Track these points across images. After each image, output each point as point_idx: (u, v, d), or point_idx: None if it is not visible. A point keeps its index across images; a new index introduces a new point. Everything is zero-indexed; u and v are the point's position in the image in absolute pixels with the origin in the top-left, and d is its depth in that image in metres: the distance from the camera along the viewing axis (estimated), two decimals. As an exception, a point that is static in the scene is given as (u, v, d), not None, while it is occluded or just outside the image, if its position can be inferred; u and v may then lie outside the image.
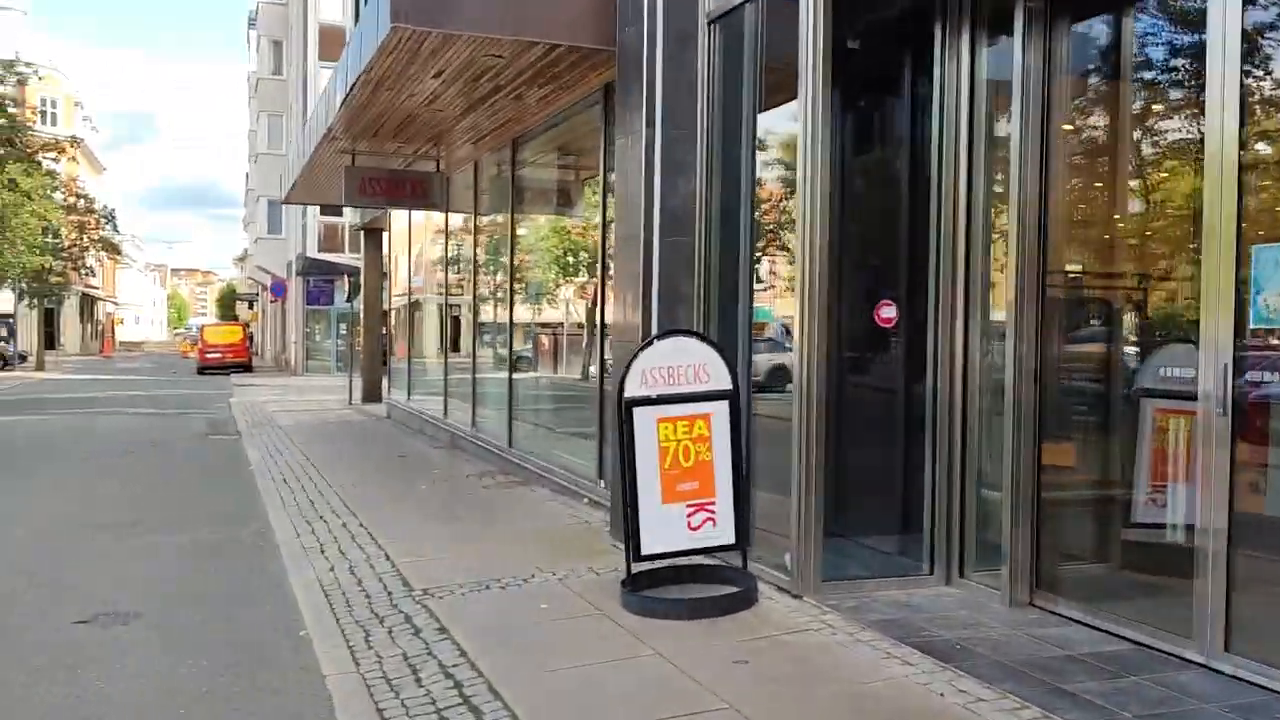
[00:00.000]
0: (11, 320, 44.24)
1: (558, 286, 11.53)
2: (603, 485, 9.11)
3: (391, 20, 7.29)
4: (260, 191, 45.59)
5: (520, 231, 12.22)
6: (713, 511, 5.96)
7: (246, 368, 42.38)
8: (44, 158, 23.62)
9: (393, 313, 22.10)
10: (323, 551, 7.83)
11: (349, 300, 24.11)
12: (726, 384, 5.96)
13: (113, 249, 42.52)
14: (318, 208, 35.95)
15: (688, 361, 5.88)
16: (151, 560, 7.76)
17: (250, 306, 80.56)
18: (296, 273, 38.64)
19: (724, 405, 5.96)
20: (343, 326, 38.61)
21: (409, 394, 18.23)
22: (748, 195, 7.03)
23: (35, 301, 42.50)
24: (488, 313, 13.81)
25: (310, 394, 28.41)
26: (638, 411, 5.80)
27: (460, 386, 14.87)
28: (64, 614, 6.22)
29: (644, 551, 5.85)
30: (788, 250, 6.91)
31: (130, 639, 5.77)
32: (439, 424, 15.35)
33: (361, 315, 24.19)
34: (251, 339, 45.25)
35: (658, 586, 6.03)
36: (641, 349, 5.86)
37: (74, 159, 25.93)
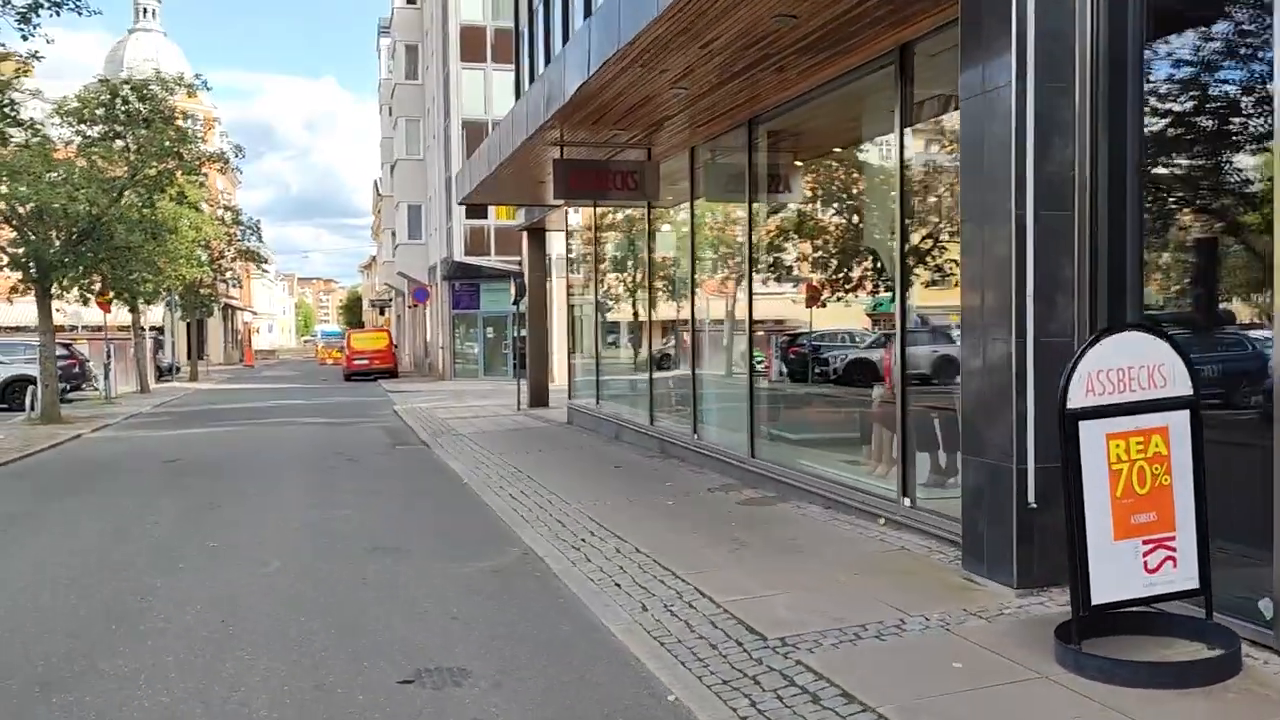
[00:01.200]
0: (161, 334, 45.28)
1: (822, 278, 10.41)
2: (907, 504, 7.98)
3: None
4: (400, 197, 45.77)
5: (761, 219, 11.16)
6: (1173, 549, 4.79)
7: (392, 374, 42.55)
8: (208, 170, 23.64)
9: (564, 314, 21.36)
10: (617, 584, 6.91)
11: (515, 303, 23.52)
12: (1186, 389, 4.78)
13: (258, 260, 43.08)
14: (463, 210, 35.70)
15: (1141, 362, 4.72)
16: (438, 596, 6.94)
17: (382, 312, 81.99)
18: (442, 277, 38.48)
19: (1184, 416, 4.78)
20: (490, 330, 38.33)
21: (597, 398, 17.37)
22: (1135, 158, 5.83)
23: (186, 313, 43.44)
24: (714, 310, 12.79)
25: (470, 399, 27.99)
26: (1084, 426, 4.66)
27: (673, 391, 13.95)
28: (380, 670, 5.40)
29: (1095, 600, 4.71)
30: (1203, 217, 5.69)
31: (476, 706, 4.89)
32: (643, 431, 14.42)
33: (526, 318, 23.54)
34: (395, 345, 45.48)
35: (1097, 637, 4.88)
36: (1087, 347, 4.71)
37: (223, 171, 25.81)
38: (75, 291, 23.50)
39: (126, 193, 22.10)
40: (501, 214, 36.12)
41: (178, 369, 45.17)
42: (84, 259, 21.25)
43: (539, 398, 23.48)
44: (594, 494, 10.71)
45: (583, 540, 8.41)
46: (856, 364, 10.12)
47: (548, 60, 18.60)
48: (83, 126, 21.98)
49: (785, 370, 11.20)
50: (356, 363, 42.43)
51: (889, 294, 8.62)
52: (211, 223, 33.57)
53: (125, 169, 22.38)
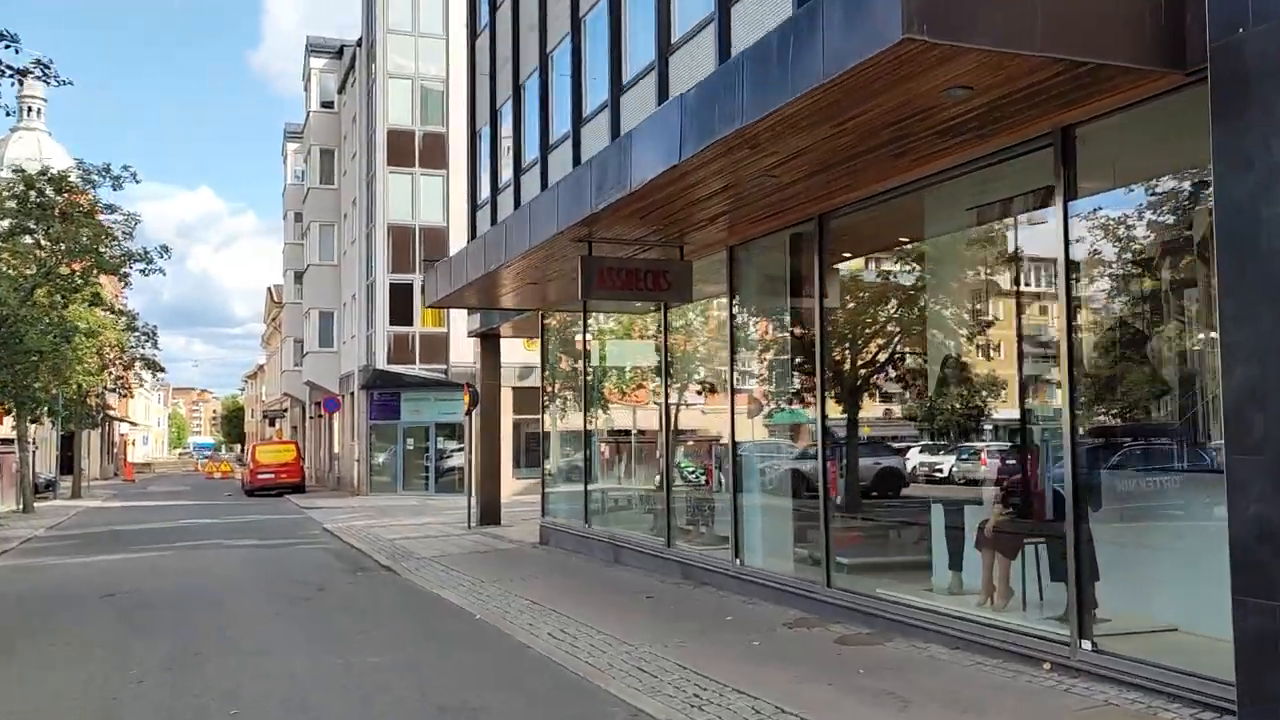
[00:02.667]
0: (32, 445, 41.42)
1: (910, 382, 9.48)
2: (1087, 646, 6.90)
3: (903, 31, 5.41)
4: (310, 303, 43.81)
5: (812, 321, 10.21)
6: None
7: (299, 488, 39.97)
8: (130, 269, 21.83)
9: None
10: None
11: (467, 413, 22.05)
12: None
13: (155, 368, 40.36)
14: (385, 316, 34.16)
15: None
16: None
17: (272, 424, 78.38)
18: (359, 386, 36.54)
19: None
20: (410, 442, 36.42)
21: (586, 516, 15.96)
22: None
23: (72, 424, 40.20)
24: (751, 421, 11.71)
25: (403, 517, 26.06)
26: None
27: (696, 509, 12.74)
28: None
29: None
30: None
31: None
32: (655, 554, 13.10)
33: (476, 428, 22.05)
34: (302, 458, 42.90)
35: None
36: None
37: (146, 273, 23.88)
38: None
39: (37, 292, 20.10)
40: (428, 320, 34.74)
41: (50, 484, 41.56)
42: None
43: (490, 515, 21.86)
44: (650, 632, 9.34)
45: (696, 696, 7.07)
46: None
47: (534, 158, 17.66)
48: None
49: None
50: (261, 477, 39.74)
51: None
52: (113, 327, 31.17)
53: (35, 267, 20.43)
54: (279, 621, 11.01)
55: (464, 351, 34.46)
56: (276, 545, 20.33)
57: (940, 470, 9.81)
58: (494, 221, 20.14)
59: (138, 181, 20.65)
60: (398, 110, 34.96)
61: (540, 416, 18.57)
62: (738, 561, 11.26)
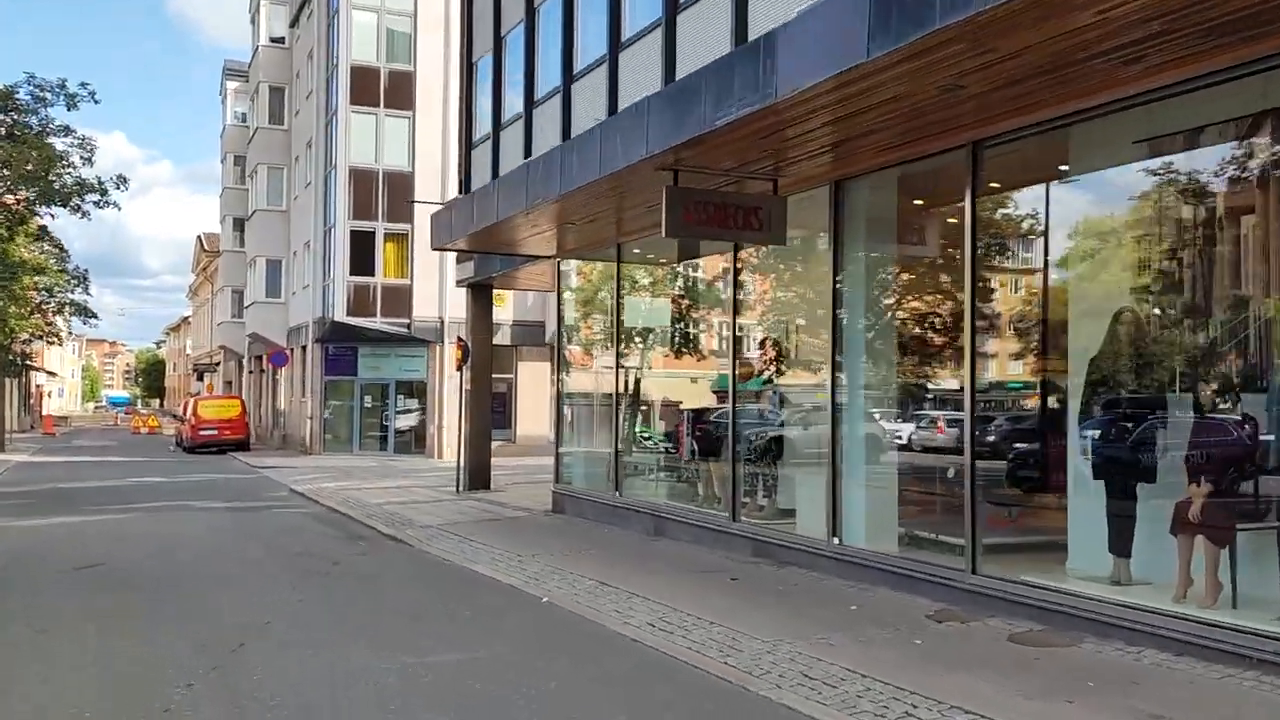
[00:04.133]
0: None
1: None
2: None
3: None
4: (256, 251, 41.31)
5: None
6: None
7: (244, 446, 37.75)
8: (83, 202, 19.42)
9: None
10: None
11: (459, 368, 20.34)
12: None
13: (87, 314, 37.59)
14: (345, 264, 32.06)
15: None
16: None
17: (200, 378, 75.07)
18: (314, 339, 34.38)
19: None
20: (368, 399, 34.46)
21: (617, 484, 14.48)
22: None
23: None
24: (866, 372, 10.30)
25: (370, 478, 24.30)
26: None
27: (763, 479, 11.37)
28: None
29: None
30: None
31: None
32: (717, 529, 11.71)
33: (468, 382, 20.38)
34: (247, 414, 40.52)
35: None
36: None
37: (101, 205, 21.31)
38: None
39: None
40: (390, 271, 32.76)
41: (-24, 438, 38.66)
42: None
43: (480, 479, 20.27)
44: (775, 624, 7.96)
45: (908, 716, 5.72)
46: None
47: (554, 87, 15.95)
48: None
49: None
50: (203, 433, 37.42)
51: None
52: (53, 270, 28.51)
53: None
54: (308, 606, 9.40)
55: (428, 304, 32.62)
56: (248, 509, 18.50)
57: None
58: (495, 160, 18.42)
59: (96, 102, 18.47)
60: (362, 46, 32.64)
61: (555, 375, 16.93)
62: (836, 540, 9.92)
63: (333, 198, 33.10)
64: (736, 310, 11.58)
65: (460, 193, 20.14)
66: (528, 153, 16.94)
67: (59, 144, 18.11)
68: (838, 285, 10.01)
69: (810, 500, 10.51)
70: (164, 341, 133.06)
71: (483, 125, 19.51)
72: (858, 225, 10.10)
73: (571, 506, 15.54)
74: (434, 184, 32.37)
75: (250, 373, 49.37)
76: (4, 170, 17.88)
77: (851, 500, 9.94)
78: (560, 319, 16.59)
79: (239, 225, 49.00)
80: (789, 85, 7.24)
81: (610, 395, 14.96)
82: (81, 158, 18.21)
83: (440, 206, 20.48)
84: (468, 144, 20.10)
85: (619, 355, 14.62)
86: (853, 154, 9.09)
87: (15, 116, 17.91)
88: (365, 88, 32.46)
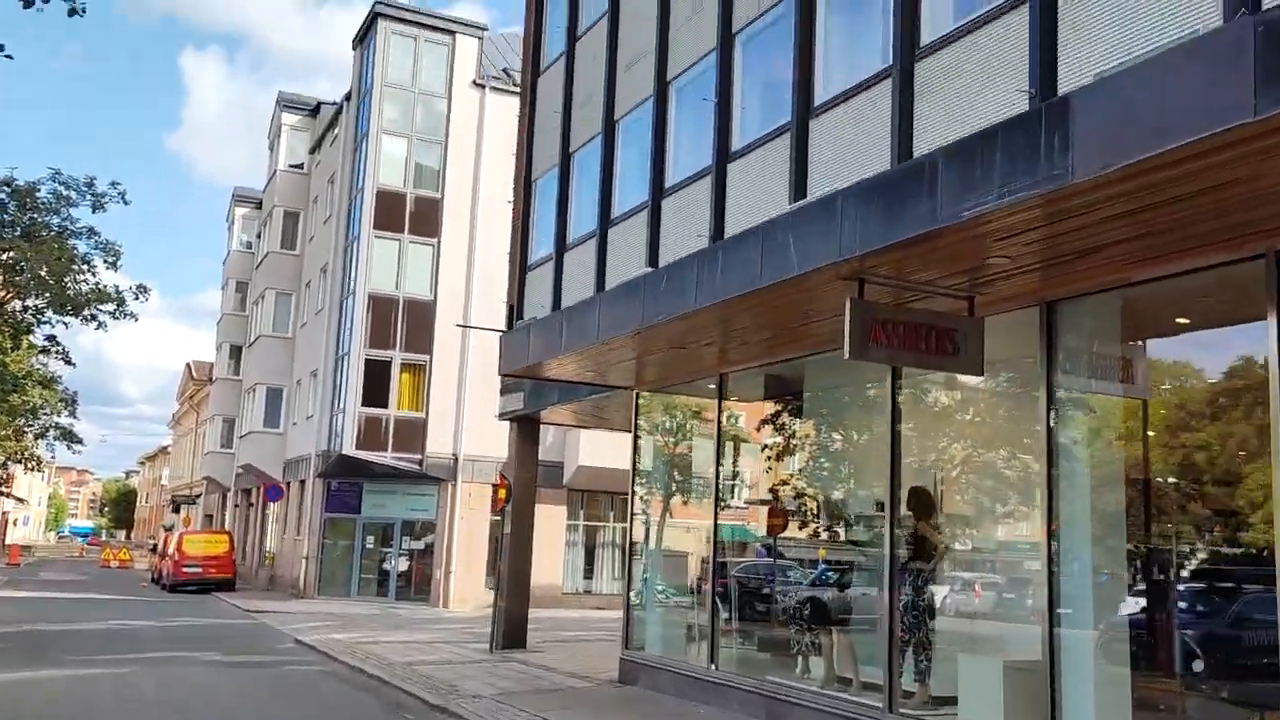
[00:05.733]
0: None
1: None
2: None
3: None
4: (256, 379, 39.46)
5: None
6: None
7: (229, 585, 35.04)
8: (97, 311, 17.64)
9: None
10: None
11: (500, 511, 18.36)
12: None
13: (73, 440, 35.40)
14: (359, 394, 30.22)
15: None
16: None
17: (176, 510, 71.88)
18: (316, 473, 32.23)
19: None
20: (369, 540, 32.08)
21: (712, 655, 12.36)
22: None
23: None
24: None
25: (380, 629, 21.99)
26: None
27: (922, 652, 9.38)
28: None
29: None
30: None
31: None
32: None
33: (508, 526, 18.35)
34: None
35: None
36: None
37: (117, 315, 19.47)
38: None
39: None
40: (404, 403, 30.92)
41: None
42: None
43: (515, 636, 18.03)
44: None
45: None
46: None
47: (640, 202, 14.55)
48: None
49: None
50: (187, 570, 34.72)
51: None
52: (51, 389, 26.45)
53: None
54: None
55: (443, 440, 30.71)
56: (258, 665, 16.19)
57: None
58: (558, 283, 16.93)
59: (126, 203, 16.99)
60: (389, 171, 31.67)
61: (629, 523, 14.91)
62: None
63: (348, 324, 31.52)
64: (896, 457, 9.78)
65: (512, 319, 18.58)
66: (600, 274, 15.48)
67: (81, 245, 16.48)
68: (1052, 427, 8.28)
69: (984, 692, 8.50)
70: (137, 471, 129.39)
71: (541, 247, 18.10)
72: (1077, 356, 8.45)
73: (646, 677, 13.37)
74: (455, 314, 30.91)
75: (236, 506, 46.82)
76: (16, 273, 16.16)
77: (1074, 702, 7.95)
78: (635, 459, 14.72)
79: (235, 353, 47.33)
80: (1097, 162, 5.67)
81: (701, 548, 13.03)
82: (106, 262, 16.62)
83: (499, 330, 18.83)
84: (522, 267, 18.65)
85: (718, 504, 12.73)
86: (1097, 264, 7.50)
87: (35, 216, 16.32)
88: (390, 213, 31.33)
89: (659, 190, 14.19)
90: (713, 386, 12.83)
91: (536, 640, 18.71)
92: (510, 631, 18.06)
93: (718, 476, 12.70)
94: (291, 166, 40.40)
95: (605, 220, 15.66)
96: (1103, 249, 7.09)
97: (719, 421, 12.70)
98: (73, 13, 7.13)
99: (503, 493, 18.22)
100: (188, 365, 74.17)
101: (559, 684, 14.08)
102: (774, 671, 11.72)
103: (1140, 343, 8.80)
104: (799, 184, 11.12)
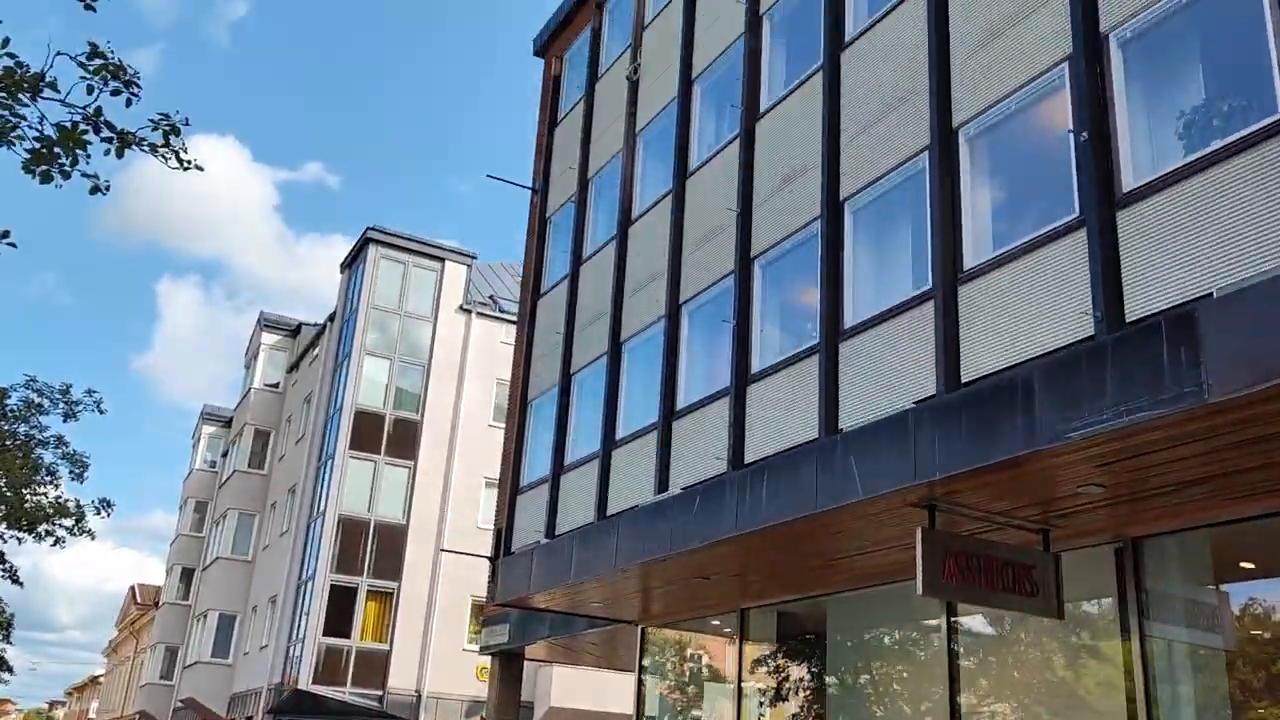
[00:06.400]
0: None
1: None
2: None
3: None
4: (208, 604, 37.36)
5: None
6: None
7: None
8: (54, 526, 16.45)
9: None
10: None
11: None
12: None
13: (4, 667, 32.78)
14: (320, 622, 28.42)
15: None
16: None
17: (104, 749, 66.65)
18: (266, 710, 29.87)
19: None
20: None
21: None
22: None
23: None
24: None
25: None
26: None
27: None
28: None
29: None
30: None
31: None
32: None
33: (485, 781, 16.65)
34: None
35: None
36: None
37: (77, 531, 18.19)
38: None
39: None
40: (368, 634, 29.11)
41: None
42: None
43: None
44: None
45: None
46: None
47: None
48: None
49: None
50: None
51: None
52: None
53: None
54: None
55: (406, 674, 28.74)
56: None
57: None
58: (553, 506, 16.05)
59: (102, 412, 16.17)
60: (369, 392, 31.20)
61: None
62: None
63: (314, 547, 30.12)
64: (956, 707, 8.78)
65: (499, 544, 17.57)
66: (602, 498, 14.65)
67: (47, 455, 15.52)
68: (1149, 685, 7.41)
69: None
70: (63, 702, 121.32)
71: (536, 469, 17.34)
72: (1163, 600, 7.70)
73: None
74: (429, 538, 29.76)
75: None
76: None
77: None
78: (639, 704, 13.45)
79: (187, 576, 45.14)
80: (1237, 380, 5.15)
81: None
82: (72, 474, 15.62)
83: (484, 556, 17.75)
84: (514, 489, 17.80)
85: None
86: (1190, 499, 6.90)
87: (1, 424, 15.44)
88: (367, 433, 30.62)
89: (670, 411, 13.64)
90: (720, 624, 11.83)
91: None
92: None
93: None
94: (267, 385, 39.90)
95: (609, 441, 15.01)
96: (1206, 481, 6.50)
97: (740, 663, 11.63)
98: (95, 190, 6.64)
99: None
100: (132, 589, 70.76)
101: None
102: None
103: (1221, 587, 8.11)
104: (829, 414, 10.59)
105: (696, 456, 12.65)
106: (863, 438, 7.75)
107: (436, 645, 28.99)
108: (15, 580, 15.64)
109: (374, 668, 28.75)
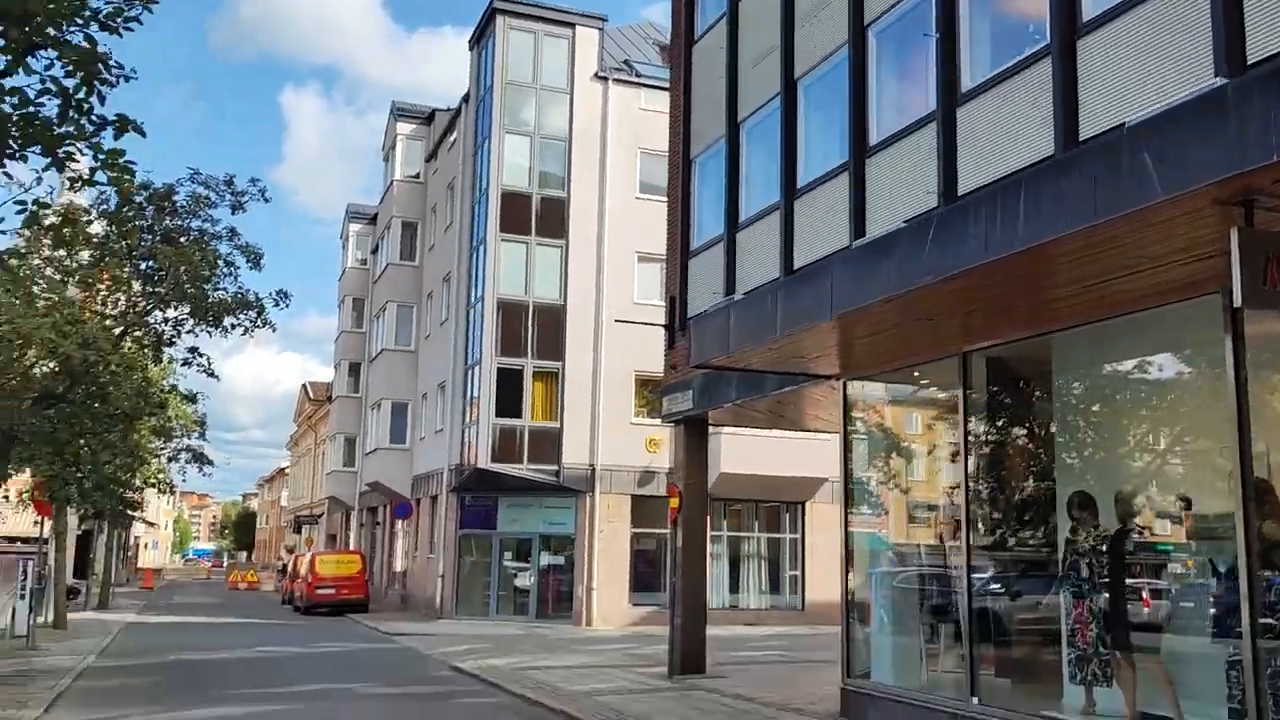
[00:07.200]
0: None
1: None
2: None
3: None
4: (380, 394, 38.72)
5: None
6: None
7: (363, 607, 34.24)
8: (239, 319, 16.57)
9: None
10: None
11: (673, 521, 16.78)
12: None
13: (204, 463, 34.71)
14: (493, 403, 28.95)
15: None
16: None
17: (297, 530, 72.26)
18: (449, 488, 31.12)
19: None
20: (507, 556, 30.81)
21: (974, 685, 10.45)
22: None
23: (109, 522, 34.67)
24: None
25: (533, 651, 20.63)
26: None
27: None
28: None
29: None
30: None
31: None
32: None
33: (680, 538, 16.69)
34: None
35: None
36: None
37: (257, 325, 18.28)
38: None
39: (126, 339, 15.10)
40: (537, 413, 29.55)
41: (80, 593, 35.62)
42: (58, 430, 13.81)
43: (694, 660, 16.35)
44: None
45: None
46: None
47: (841, 162, 12.70)
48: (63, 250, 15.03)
49: None
50: (320, 591, 34.08)
51: None
52: (180, 406, 25.73)
53: (124, 307, 15.50)
54: None
55: (579, 450, 29.24)
56: (424, 697, 14.84)
57: None
58: (730, 266, 15.19)
59: (267, 200, 15.87)
60: (513, 171, 30.46)
61: (843, 533, 12.93)
62: None
63: (476, 332, 30.36)
64: (1244, 432, 7.75)
65: (674, 312, 16.98)
66: (787, 252, 13.70)
67: (223, 248, 15.39)
68: None
69: None
70: (255, 494, 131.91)
71: (706, 230, 16.43)
72: None
73: (879, 712, 11.51)
74: (587, 316, 29.57)
75: (361, 525, 46.29)
76: (156, 282, 15.13)
77: None
78: (846, 460, 12.87)
79: (354, 370, 46.91)
80: None
81: (964, 552, 11.15)
82: (249, 264, 15.52)
83: (658, 325, 17.24)
84: (684, 254, 17.00)
85: (968, 505, 10.79)
86: None
87: (173, 221, 15.30)
88: (515, 215, 30.10)
89: (861, 148, 12.36)
90: (921, 375, 10.93)
91: (707, 662, 17.00)
92: (688, 654, 16.40)
93: (966, 479, 10.79)
94: (408, 177, 39.64)
95: (789, 191, 13.88)
96: None
97: (964, 409, 10.80)
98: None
99: (674, 502, 16.59)
100: (304, 387, 74.64)
101: (768, 716, 12.31)
102: (1048, 705, 9.77)
103: None
104: (1069, 123, 9.18)
105: (900, 192, 11.47)
106: (1162, 128, 6.45)
107: (604, 420, 29.28)
108: (211, 374, 15.92)
109: (547, 445, 29.34)
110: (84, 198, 14.20)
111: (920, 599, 12.15)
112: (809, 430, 19.46)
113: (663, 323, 17.87)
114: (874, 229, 11.54)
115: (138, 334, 15.29)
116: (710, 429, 18.17)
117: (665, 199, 29.60)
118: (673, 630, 16.52)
